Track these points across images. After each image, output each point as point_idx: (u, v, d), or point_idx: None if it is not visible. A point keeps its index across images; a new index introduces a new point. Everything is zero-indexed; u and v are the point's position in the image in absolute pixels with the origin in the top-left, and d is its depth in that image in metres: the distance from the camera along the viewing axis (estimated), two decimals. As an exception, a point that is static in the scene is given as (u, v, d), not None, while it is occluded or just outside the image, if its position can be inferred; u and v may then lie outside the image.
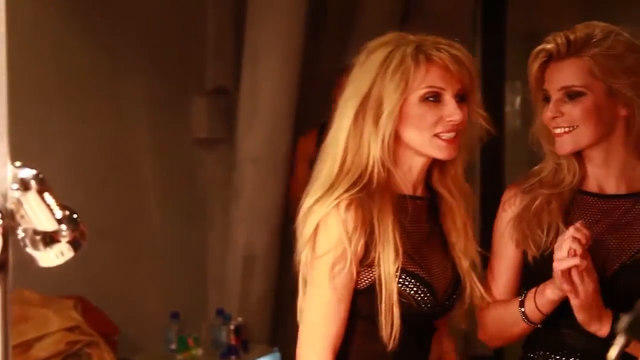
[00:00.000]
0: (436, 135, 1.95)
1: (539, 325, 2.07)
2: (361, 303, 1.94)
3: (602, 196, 2.11)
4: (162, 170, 4.61)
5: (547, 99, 2.07)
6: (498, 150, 5.02)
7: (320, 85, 4.52)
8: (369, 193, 1.93)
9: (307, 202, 1.96)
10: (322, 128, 4.45)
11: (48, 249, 1.19)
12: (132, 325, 4.21)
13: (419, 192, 2.04)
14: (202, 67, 4.80)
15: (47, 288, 3.67)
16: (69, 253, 1.21)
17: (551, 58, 2.06)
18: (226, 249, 4.62)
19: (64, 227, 1.20)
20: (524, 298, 2.06)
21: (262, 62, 4.43)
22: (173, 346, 4.17)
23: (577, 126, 2.02)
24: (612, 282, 2.01)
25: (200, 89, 4.79)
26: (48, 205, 1.15)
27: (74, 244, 1.21)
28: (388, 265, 1.89)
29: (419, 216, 2.03)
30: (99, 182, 4.25)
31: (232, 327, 4.21)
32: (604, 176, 2.11)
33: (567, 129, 2.03)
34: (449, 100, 1.95)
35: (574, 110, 2.02)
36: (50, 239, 1.19)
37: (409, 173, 2.01)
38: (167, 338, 4.19)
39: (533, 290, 2.05)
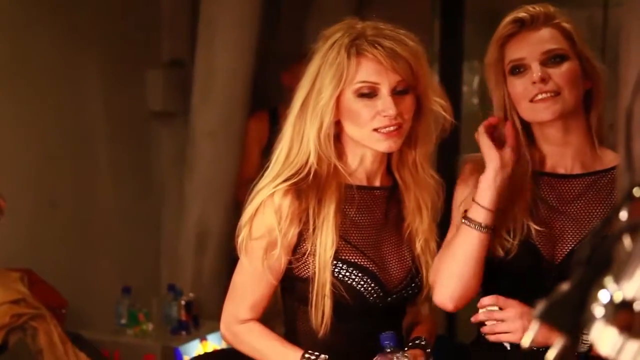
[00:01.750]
0: (375, 130, 1.97)
1: (489, 229, 1.99)
2: (301, 290, 2.00)
3: (556, 175, 2.09)
4: (116, 143, 4.56)
5: (516, 71, 2.03)
6: (455, 129, 5.01)
7: (278, 67, 4.48)
8: (309, 184, 1.96)
9: (256, 187, 2.02)
10: (272, 111, 4.49)
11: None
12: (82, 299, 4.18)
13: (376, 183, 2.06)
14: (158, 39, 4.75)
15: (-6, 260, 3.64)
16: (-14, 227, 1.18)
17: (521, 28, 2.03)
18: (179, 224, 4.59)
19: (-20, 200, 1.17)
20: (464, 214, 2.01)
21: (217, 35, 4.39)
22: (123, 321, 4.14)
23: (561, 92, 2.00)
24: (562, 268, 1.99)
25: (155, 61, 4.74)
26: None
27: (-9, 217, 1.18)
28: (324, 253, 1.94)
29: (371, 206, 2.05)
30: (51, 154, 4.19)
31: (183, 302, 4.19)
32: (560, 156, 2.09)
33: (551, 94, 2.00)
34: (384, 95, 1.95)
35: (559, 75, 2.00)
36: (-35, 212, 1.16)
37: (362, 164, 2.04)
38: (117, 312, 4.16)
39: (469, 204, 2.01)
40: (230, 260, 4.50)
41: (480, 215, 1.98)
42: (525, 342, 0.94)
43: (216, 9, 4.37)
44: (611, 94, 2.03)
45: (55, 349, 3.44)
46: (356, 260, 1.98)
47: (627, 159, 0.88)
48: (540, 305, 0.93)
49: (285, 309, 2.10)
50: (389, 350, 1.88)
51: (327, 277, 1.94)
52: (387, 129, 1.96)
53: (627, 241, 0.89)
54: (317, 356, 1.96)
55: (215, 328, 4.25)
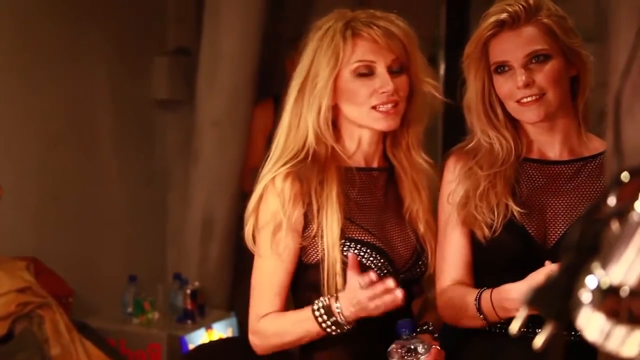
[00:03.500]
0: (373, 108, 2.00)
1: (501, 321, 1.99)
2: (311, 276, 2.00)
3: (545, 162, 2.09)
4: (121, 131, 4.56)
5: (500, 70, 2.03)
6: (459, 113, 4.99)
7: (284, 55, 4.47)
8: (308, 166, 1.99)
9: (260, 176, 2.03)
10: (277, 99, 4.47)
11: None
12: (88, 288, 4.19)
13: (374, 164, 2.09)
14: (163, 27, 4.75)
15: (0, 249, 3.64)
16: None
17: (502, 28, 2.02)
18: (185, 212, 4.59)
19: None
20: (480, 296, 1.98)
21: (222, 23, 4.38)
22: (129, 309, 4.16)
23: (546, 92, 2.00)
24: (555, 253, 1.97)
25: (161, 49, 4.74)
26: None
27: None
28: (331, 232, 1.96)
29: (372, 187, 2.07)
30: (57, 142, 4.20)
31: (188, 291, 4.19)
32: (547, 142, 2.09)
33: (536, 97, 2.00)
34: (381, 72, 2.00)
35: (543, 76, 2.00)
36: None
37: (360, 146, 2.06)
38: (123, 301, 4.17)
39: (488, 292, 1.97)
40: (236, 248, 4.52)
41: (496, 319, 1.99)
42: (514, 328, 0.94)
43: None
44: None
45: (61, 337, 3.45)
46: (363, 238, 1.99)
47: (615, 143, 0.87)
48: (530, 291, 0.92)
49: (295, 301, 2.09)
50: (405, 337, 1.89)
51: (337, 256, 1.95)
52: (385, 106, 1.99)
53: (615, 226, 0.88)
54: (327, 299, 1.93)
55: (221, 317, 4.28)
